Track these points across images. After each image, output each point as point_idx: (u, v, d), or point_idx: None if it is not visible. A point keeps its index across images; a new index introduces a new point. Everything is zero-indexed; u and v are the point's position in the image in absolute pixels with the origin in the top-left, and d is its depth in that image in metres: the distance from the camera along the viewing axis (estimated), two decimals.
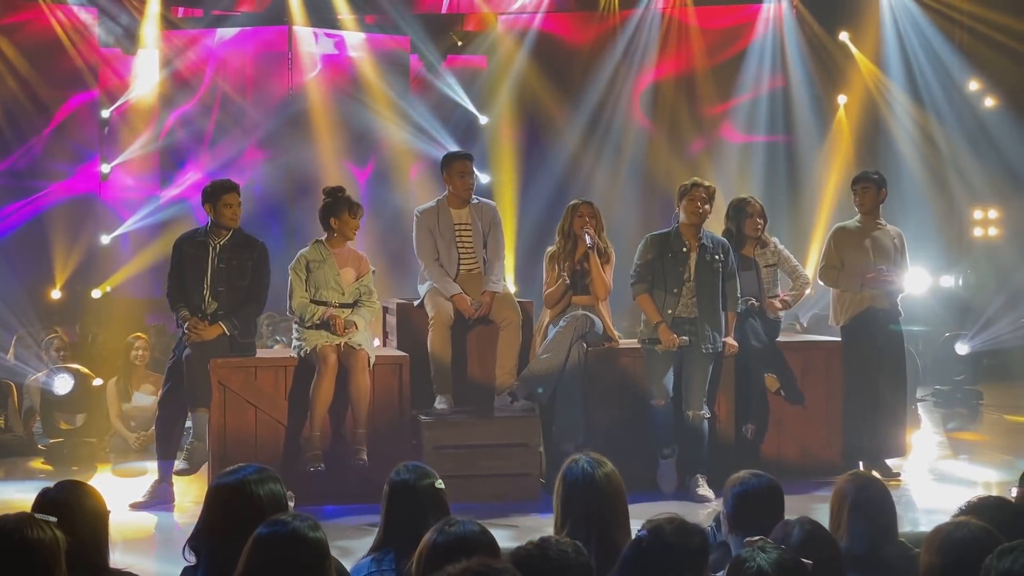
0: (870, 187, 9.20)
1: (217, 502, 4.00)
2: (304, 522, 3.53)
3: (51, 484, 4.07)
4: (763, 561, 3.48)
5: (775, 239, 9.28)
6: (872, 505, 4.48)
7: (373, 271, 8.52)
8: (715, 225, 9.12)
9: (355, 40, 16.40)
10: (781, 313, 9.22)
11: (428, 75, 16.47)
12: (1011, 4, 15.16)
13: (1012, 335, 14.38)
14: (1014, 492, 4.66)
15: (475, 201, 8.97)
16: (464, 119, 16.53)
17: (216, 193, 8.39)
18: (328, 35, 16.36)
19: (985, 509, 4.10)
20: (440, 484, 4.41)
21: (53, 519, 3.49)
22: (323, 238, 8.44)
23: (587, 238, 8.65)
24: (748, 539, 3.75)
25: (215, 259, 8.34)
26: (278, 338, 12.04)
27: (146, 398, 10.63)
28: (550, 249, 8.93)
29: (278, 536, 3.49)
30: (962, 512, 4.10)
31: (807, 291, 9.41)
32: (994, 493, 8.56)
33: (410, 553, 3.79)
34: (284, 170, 15.88)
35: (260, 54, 16.13)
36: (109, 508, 4.10)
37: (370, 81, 16.20)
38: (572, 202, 8.99)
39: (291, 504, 4.24)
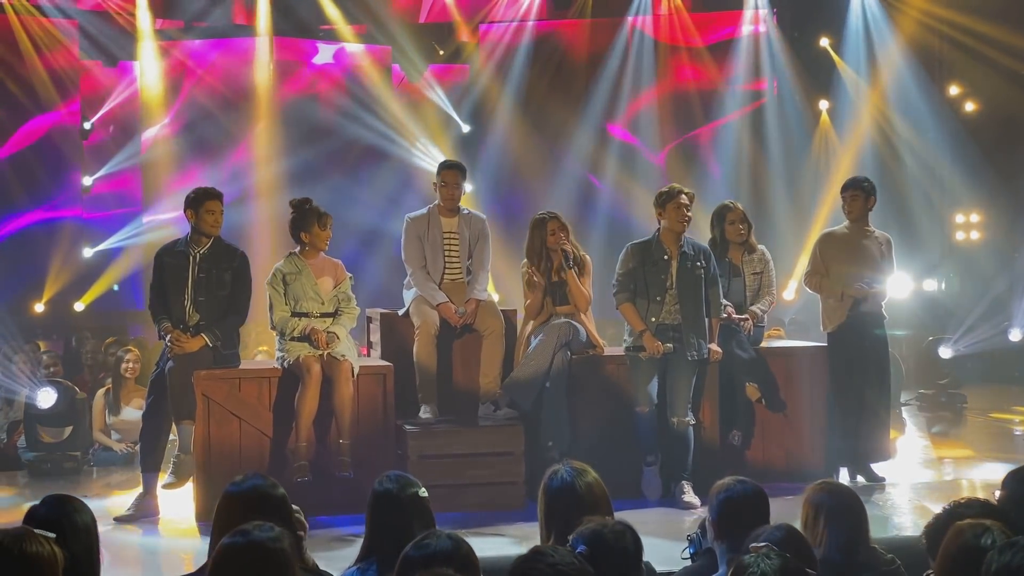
0: (859, 195, 9.20)
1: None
2: (266, 532, 3.53)
3: (37, 501, 4.04)
4: (767, 567, 3.47)
5: (763, 247, 9.28)
6: (847, 512, 4.50)
7: (351, 277, 8.52)
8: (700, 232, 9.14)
9: (337, 50, 16.41)
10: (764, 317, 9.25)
11: (410, 84, 16.49)
12: (988, 11, 15.23)
13: (995, 338, 14.44)
14: (997, 495, 4.68)
15: (465, 212, 8.98)
16: (446, 127, 16.55)
17: (199, 199, 8.37)
18: (310, 45, 16.36)
19: (966, 508, 4.11)
20: (424, 493, 4.40)
21: (52, 535, 3.47)
22: (296, 250, 8.44)
23: (564, 257, 8.62)
24: (754, 545, 3.74)
25: (195, 269, 8.32)
26: (261, 347, 12.00)
27: (135, 412, 10.54)
28: (524, 269, 8.87)
29: (237, 546, 3.50)
30: (948, 513, 4.10)
31: (770, 307, 9.36)
32: (979, 495, 8.63)
33: (394, 563, 3.78)
34: (269, 182, 15.85)
35: (241, 64, 16.11)
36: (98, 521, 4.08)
37: (352, 91, 16.21)
38: (536, 217, 8.90)
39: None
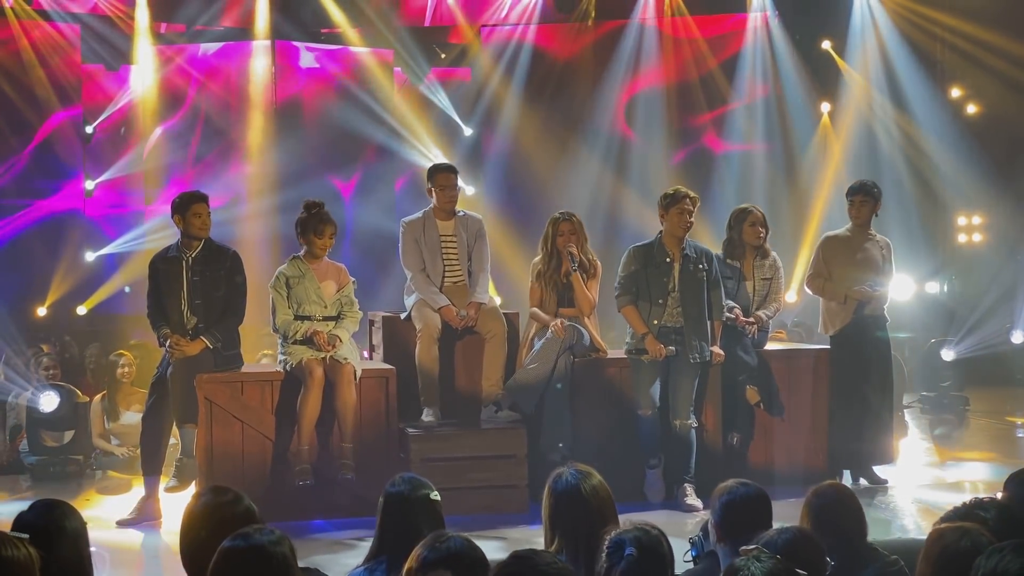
0: (868, 201, 9.18)
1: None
2: (266, 536, 3.53)
3: (27, 505, 4.02)
4: (757, 570, 3.46)
5: (775, 253, 9.27)
6: (841, 511, 4.53)
7: (353, 282, 8.51)
8: (703, 235, 9.12)
9: (339, 53, 16.42)
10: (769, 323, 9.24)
11: (412, 87, 16.49)
12: (986, 16, 15.24)
13: (997, 340, 14.43)
14: (999, 497, 4.67)
15: (461, 213, 8.97)
16: (449, 130, 16.55)
17: (185, 203, 8.38)
18: (311, 49, 16.36)
19: (982, 510, 4.10)
20: (436, 496, 4.41)
21: (26, 536, 3.46)
22: (300, 254, 8.44)
23: (570, 260, 8.64)
24: (744, 548, 3.74)
25: (188, 272, 8.33)
26: (266, 352, 11.98)
27: (134, 416, 10.52)
28: (535, 261, 8.92)
29: (237, 549, 3.50)
30: (959, 513, 4.09)
31: (776, 314, 9.36)
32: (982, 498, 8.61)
33: (403, 564, 3.78)
34: (270, 185, 15.84)
35: (244, 68, 16.11)
36: (86, 522, 4.07)
37: (354, 94, 16.21)
38: (553, 216, 8.95)
39: None
